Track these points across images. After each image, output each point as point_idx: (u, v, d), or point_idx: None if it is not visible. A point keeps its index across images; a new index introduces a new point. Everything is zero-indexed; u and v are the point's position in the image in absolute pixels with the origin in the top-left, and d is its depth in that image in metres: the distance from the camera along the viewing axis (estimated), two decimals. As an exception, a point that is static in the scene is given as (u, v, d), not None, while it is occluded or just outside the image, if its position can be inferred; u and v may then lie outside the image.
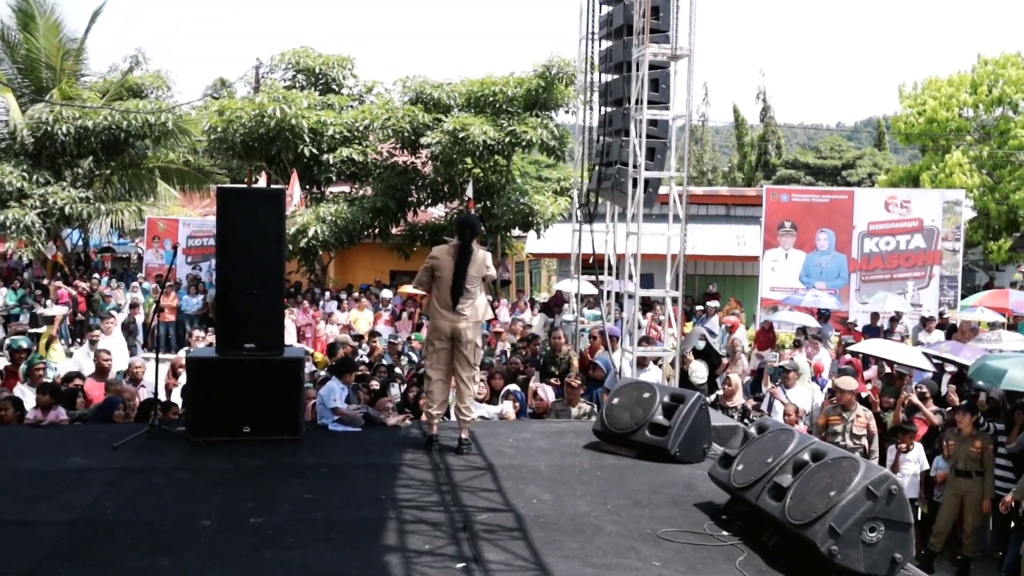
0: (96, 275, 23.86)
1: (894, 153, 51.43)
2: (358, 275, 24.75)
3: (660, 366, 11.13)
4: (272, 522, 5.88)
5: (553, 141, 20.78)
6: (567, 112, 21.45)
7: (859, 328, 17.11)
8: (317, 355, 13.66)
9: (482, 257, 7.77)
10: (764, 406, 11.28)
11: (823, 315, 17.31)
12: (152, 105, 23.89)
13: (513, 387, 10.25)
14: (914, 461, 10.02)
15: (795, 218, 20.24)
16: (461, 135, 19.92)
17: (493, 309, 17.43)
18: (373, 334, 14.62)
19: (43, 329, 17.19)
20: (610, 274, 12.61)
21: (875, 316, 17.78)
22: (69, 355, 14.62)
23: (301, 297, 19.77)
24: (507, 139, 20.18)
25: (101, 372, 10.34)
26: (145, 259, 25.50)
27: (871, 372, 13.28)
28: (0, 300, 21.28)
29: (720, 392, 11.37)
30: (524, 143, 20.44)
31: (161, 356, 10.36)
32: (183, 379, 10.08)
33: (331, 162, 21.44)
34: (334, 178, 22.31)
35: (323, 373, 10.70)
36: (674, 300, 10.92)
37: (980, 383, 10.52)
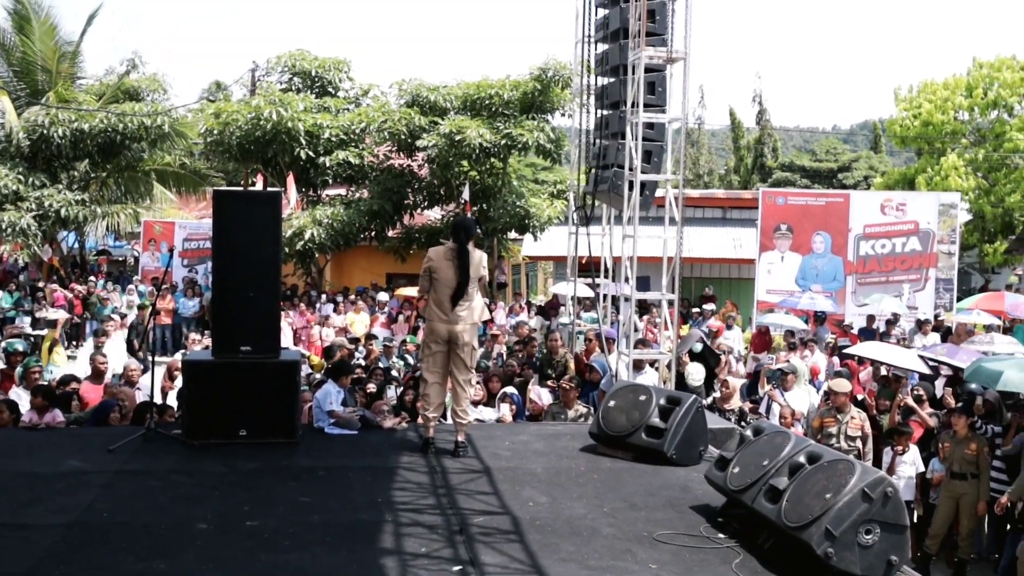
0: (92, 278, 23.83)
1: (890, 156, 51.52)
2: (354, 278, 24.73)
3: (656, 369, 11.14)
4: (268, 525, 5.88)
5: (549, 144, 20.80)
6: (563, 115, 21.46)
7: (855, 331, 17.12)
8: (313, 358, 13.65)
9: (478, 258, 7.78)
10: (762, 408, 11.29)
11: (819, 318, 17.32)
12: (148, 108, 23.86)
13: (510, 389, 10.25)
14: (910, 463, 10.03)
15: (791, 221, 20.25)
16: (457, 138, 19.93)
17: (490, 311, 17.43)
18: (369, 337, 14.60)
19: (43, 332, 17.22)
20: (606, 277, 12.62)
21: (871, 319, 17.80)
22: (71, 358, 14.61)
23: (297, 300, 19.76)
24: (503, 142, 20.19)
25: (97, 375, 10.33)
26: (141, 262, 25.46)
27: (865, 374, 13.29)
28: (-5, 303, 21.24)
29: (717, 395, 11.38)
30: (520, 146, 20.45)
31: (157, 359, 10.35)
32: (179, 382, 10.07)
33: (327, 165, 21.44)
34: (330, 181, 22.32)
35: (319, 376, 10.70)
36: (670, 303, 10.93)
37: (973, 386, 10.55)
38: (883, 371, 12.51)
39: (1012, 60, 30.08)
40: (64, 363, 13.08)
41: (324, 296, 20.97)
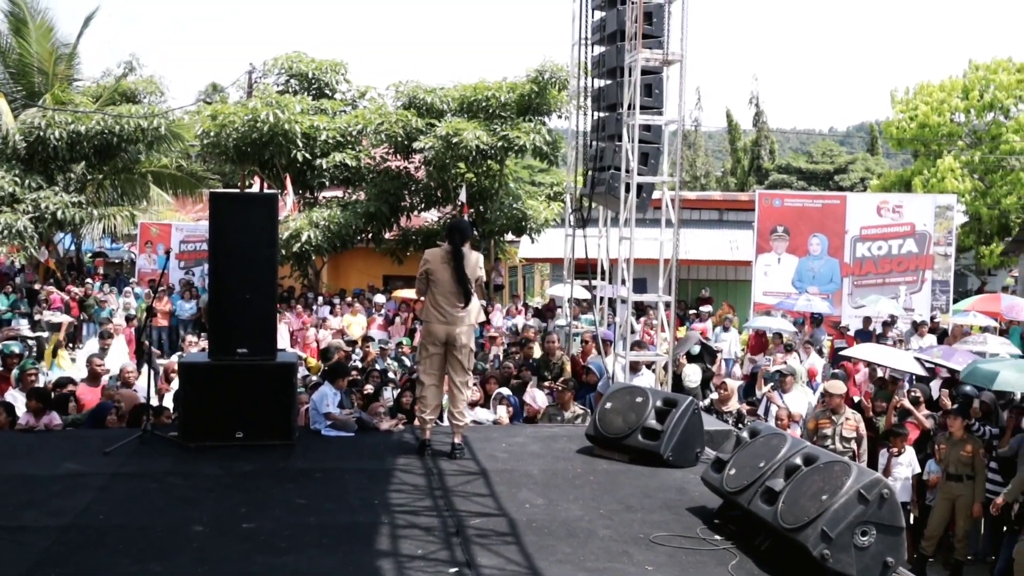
0: (89, 280, 23.80)
1: (886, 158, 51.63)
2: (351, 280, 24.73)
3: (653, 370, 11.14)
4: (264, 527, 5.87)
5: (546, 146, 20.80)
6: (560, 117, 21.47)
7: (851, 332, 17.15)
8: (310, 360, 13.65)
9: (475, 260, 7.78)
10: (761, 411, 11.29)
11: (816, 320, 17.36)
12: (145, 110, 23.84)
13: (505, 391, 10.26)
14: (906, 465, 10.04)
15: (788, 223, 20.29)
16: (454, 140, 19.92)
17: (487, 313, 17.43)
18: (366, 339, 14.60)
19: (45, 334, 17.25)
20: (603, 279, 12.63)
21: (867, 320, 17.82)
22: (75, 361, 14.59)
23: (294, 302, 19.74)
24: (500, 144, 20.19)
25: (94, 377, 10.32)
26: (138, 264, 25.46)
27: (862, 376, 13.31)
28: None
29: (715, 396, 11.39)
30: (517, 148, 20.45)
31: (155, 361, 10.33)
32: (175, 384, 10.07)
33: (324, 167, 21.43)
34: (327, 183, 22.31)
35: (315, 378, 10.69)
36: (667, 304, 10.94)
37: (968, 388, 10.58)
38: (879, 373, 12.53)
39: (1008, 62, 30.15)
40: (69, 366, 13.08)
41: (321, 298, 20.95)
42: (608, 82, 11.51)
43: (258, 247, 8.02)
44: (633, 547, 5.64)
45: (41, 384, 10.26)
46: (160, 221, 25.47)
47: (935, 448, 10.04)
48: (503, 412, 9.79)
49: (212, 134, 21.13)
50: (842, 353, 14.31)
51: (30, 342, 15.96)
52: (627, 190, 10.46)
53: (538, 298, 29.42)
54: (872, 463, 10.15)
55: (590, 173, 11.79)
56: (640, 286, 12.23)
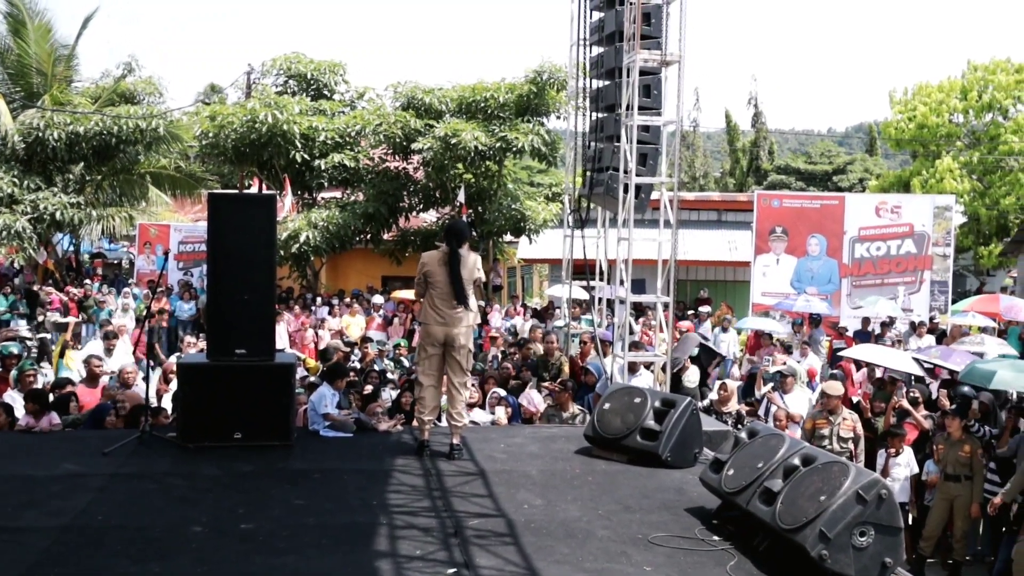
0: (88, 281, 23.79)
1: (885, 158, 51.66)
2: (350, 280, 24.73)
3: (652, 371, 11.15)
4: (263, 528, 5.87)
5: (544, 147, 20.79)
6: (558, 118, 21.47)
7: (850, 333, 17.16)
8: (309, 361, 13.65)
9: (473, 261, 7.79)
10: (761, 411, 11.28)
11: (814, 320, 17.38)
12: (144, 111, 23.85)
13: (501, 392, 10.27)
14: (904, 465, 10.05)
15: (786, 223, 20.29)
16: (453, 141, 19.92)
17: (485, 314, 17.44)
18: (365, 339, 14.60)
19: (48, 336, 17.24)
20: (601, 279, 12.63)
21: (866, 321, 17.83)
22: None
23: (293, 302, 19.73)
24: (498, 145, 20.19)
25: (92, 378, 10.31)
26: (136, 265, 25.44)
27: (860, 376, 13.32)
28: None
29: (715, 397, 11.39)
30: (516, 149, 20.44)
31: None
32: (174, 385, 10.06)
33: (323, 168, 21.43)
34: (326, 184, 22.30)
35: (314, 379, 10.69)
36: (665, 305, 10.94)
37: (966, 388, 10.59)
38: (878, 373, 12.54)
39: (1007, 63, 30.18)
40: (78, 366, 13.06)
41: (319, 299, 20.96)
42: (606, 83, 11.52)
43: (256, 248, 8.03)
44: (631, 547, 5.65)
45: (40, 385, 10.24)
46: (159, 222, 25.46)
47: (933, 448, 10.05)
48: (501, 413, 9.80)
49: (211, 135, 21.13)
50: (841, 354, 14.32)
51: (29, 343, 15.94)
52: (625, 191, 10.46)
53: (537, 299, 29.42)
54: (870, 464, 10.16)
55: (588, 174, 11.79)
56: (639, 287, 12.22)
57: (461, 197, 20.12)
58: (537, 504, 6.51)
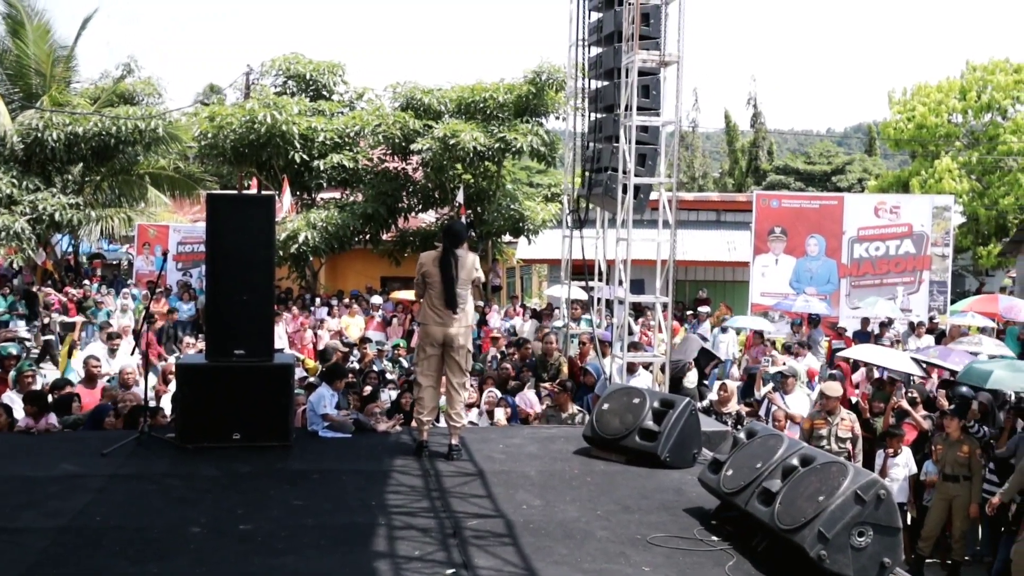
0: (87, 281, 23.78)
1: (884, 159, 51.65)
2: (349, 281, 24.73)
3: (651, 371, 11.14)
4: (262, 528, 5.87)
5: (543, 147, 20.82)
6: (557, 118, 21.50)
7: (849, 333, 17.17)
8: (308, 361, 13.64)
9: (471, 261, 7.79)
10: (762, 412, 11.27)
11: (813, 320, 17.38)
12: (143, 111, 23.85)
13: (497, 392, 10.27)
14: (903, 465, 10.05)
15: (785, 224, 20.29)
16: (451, 141, 19.93)
17: (483, 315, 17.44)
18: (364, 340, 14.59)
19: (50, 337, 17.22)
20: (600, 280, 12.63)
21: (865, 321, 17.83)
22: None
23: (292, 303, 19.73)
24: (497, 145, 20.20)
25: (90, 379, 10.30)
26: (135, 265, 25.42)
27: (859, 375, 13.32)
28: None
29: (715, 397, 11.38)
30: (515, 149, 20.45)
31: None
32: (173, 385, 10.06)
33: (322, 168, 21.44)
34: (324, 184, 22.32)
35: (313, 379, 10.69)
36: (664, 306, 10.94)
37: (964, 388, 10.59)
38: (877, 374, 12.54)
39: (1005, 63, 30.19)
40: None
41: (318, 299, 20.96)
42: (605, 83, 11.51)
43: (255, 248, 8.03)
44: (630, 548, 5.65)
45: (39, 386, 10.24)
46: (158, 223, 25.45)
47: (932, 449, 10.04)
48: (500, 414, 9.80)
49: (209, 135, 21.15)
50: (840, 354, 14.32)
51: (27, 343, 15.95)
52: (624, 191, 10.45)
53: (536, 299, 29.42)
54: (869, 464, 10.15)
55: (587, 174, 11.78)
56: (638, 287, 12.24)
57: (460, 197, 20.12)
58: (536, 505, 6.51)
